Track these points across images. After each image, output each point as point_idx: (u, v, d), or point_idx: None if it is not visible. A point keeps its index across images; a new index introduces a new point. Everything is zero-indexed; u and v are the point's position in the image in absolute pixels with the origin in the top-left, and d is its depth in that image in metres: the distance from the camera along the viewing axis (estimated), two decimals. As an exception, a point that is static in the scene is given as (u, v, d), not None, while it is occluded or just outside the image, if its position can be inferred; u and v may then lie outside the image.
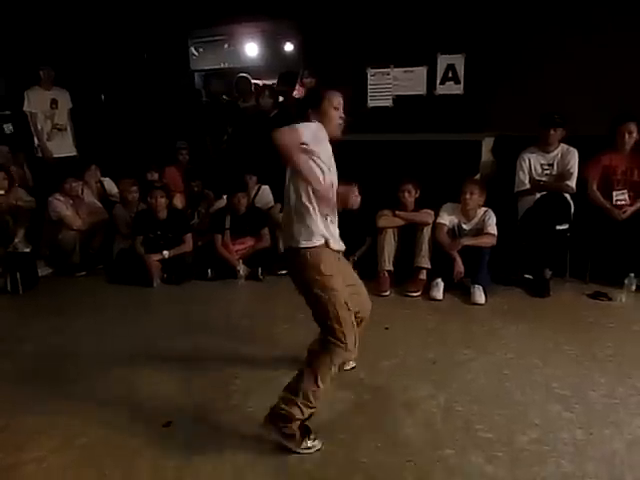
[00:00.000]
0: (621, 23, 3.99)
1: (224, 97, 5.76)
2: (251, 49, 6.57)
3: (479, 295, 3.61)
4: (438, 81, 4.50)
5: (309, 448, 2.05)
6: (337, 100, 2.13)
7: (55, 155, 5.35)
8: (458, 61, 4.43)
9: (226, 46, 6.71)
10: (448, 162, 4.36)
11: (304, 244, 2.05)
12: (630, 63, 3.96)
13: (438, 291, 3.74)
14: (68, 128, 5.46)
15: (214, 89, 5.81)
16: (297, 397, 2.01)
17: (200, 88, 6.56)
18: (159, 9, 5.48)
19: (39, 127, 5.30)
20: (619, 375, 2.60)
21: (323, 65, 4.59)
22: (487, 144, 4.52)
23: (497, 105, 4.29)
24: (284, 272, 3.90)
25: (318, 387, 2.01)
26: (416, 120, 4.57)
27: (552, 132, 3.89)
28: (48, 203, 4.65)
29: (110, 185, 5.28)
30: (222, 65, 6.74)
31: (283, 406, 2.02)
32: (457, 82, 4.47)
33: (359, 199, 4.19)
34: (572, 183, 3.88)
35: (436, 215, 3.94)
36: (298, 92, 4.84)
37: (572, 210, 3.88)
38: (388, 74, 4.65)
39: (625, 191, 3.84)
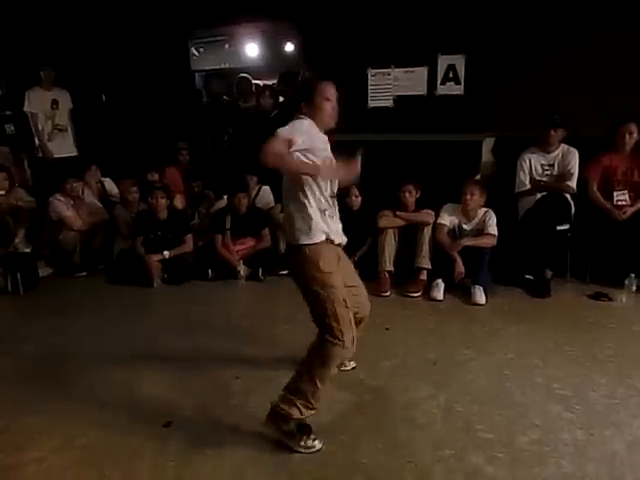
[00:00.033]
0: (621, 23, 3.99)
1: (225, 97, 5.76)
2: (252, 49, 6.56)
3: (479, 295, 3.61)
4: (439, 81, 4.50)
5: (309, 447, 2.04)
6: (329, 91, 2.07)
7: (56, 155, 5.35)
8: (459, 61, 4.43)
9: (227, 46, 6.69)
10: (449, 162, 4.35)
11: (304, 241, 2.03)
12: (630, 63, 3.96)
13: (438, 291, 3.74)
14: (69, 128, 5.47)
15: (215, 89, 5.82)
16: (296, 397, 2.01)
17: (201, 88, 6.56)
18: (160, 10, 5.48)
19: (40, 127, 5.30)
20: (619, 376, 2.59)
21: (323, 65, 4.58)
22: (487, 144, 4.51)
23: (497, 105, 4.29)
24: (285, 272, 3.93)
25: (317, 387, 2.01)
26: (417, 120, 4.57)
27: (552, 132, 3.89)
28: (48, 203, 4.64)
29: (110, 185, 5.28)
30: (223, 65, 6.73)
31: (282, 406, 2.03)
32: (458, 82, 4.46)
33: (359, 200, 4.21)
34: (572, 183, 3.88)
35: (436, 215, 3.94)
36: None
37: (572, 210, 3.88)
38: (389, 74, 4.65)
39: (625, 191, 3.84)
